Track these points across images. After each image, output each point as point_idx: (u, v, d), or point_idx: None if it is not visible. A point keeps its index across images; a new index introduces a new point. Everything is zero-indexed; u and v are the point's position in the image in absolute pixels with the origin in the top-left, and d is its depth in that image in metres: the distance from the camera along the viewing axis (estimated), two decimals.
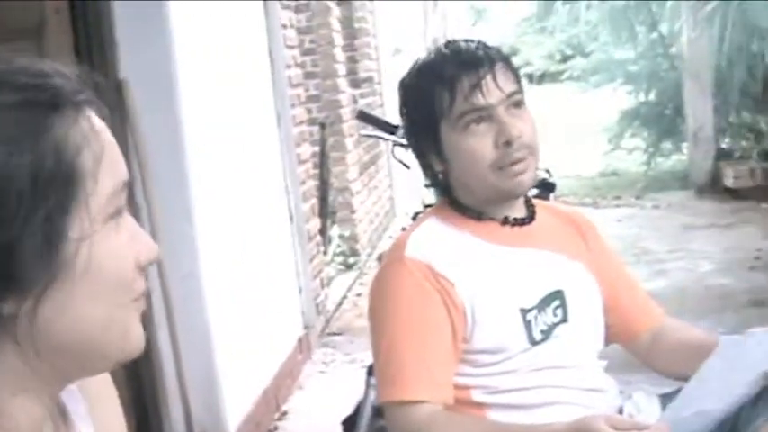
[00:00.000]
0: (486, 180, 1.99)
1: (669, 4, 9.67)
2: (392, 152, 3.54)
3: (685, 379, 2.05)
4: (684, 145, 10.34)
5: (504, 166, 1.97)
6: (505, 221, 2.06)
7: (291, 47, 5.61)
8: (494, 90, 1.97)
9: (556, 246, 2.13)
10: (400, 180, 9.19)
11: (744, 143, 9.09)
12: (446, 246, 2.01)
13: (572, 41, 12.71)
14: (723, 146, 9.55)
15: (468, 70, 1.98)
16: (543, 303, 2.02)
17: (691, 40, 8.97)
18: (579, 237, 2.22)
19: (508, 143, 1.97)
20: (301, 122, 5.62)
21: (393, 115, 7.07)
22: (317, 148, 6.90)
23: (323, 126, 7.22)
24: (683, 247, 7.22)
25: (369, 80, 8.81)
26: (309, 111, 6.60)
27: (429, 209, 2.23)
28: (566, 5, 10.56)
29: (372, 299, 2.03)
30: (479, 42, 2.06)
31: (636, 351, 2.26)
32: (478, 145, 1.98)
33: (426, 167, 2.10)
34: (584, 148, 12.62)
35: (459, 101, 1.97)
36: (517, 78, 2.06)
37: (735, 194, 8.86)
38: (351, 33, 8.39)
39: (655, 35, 10.56)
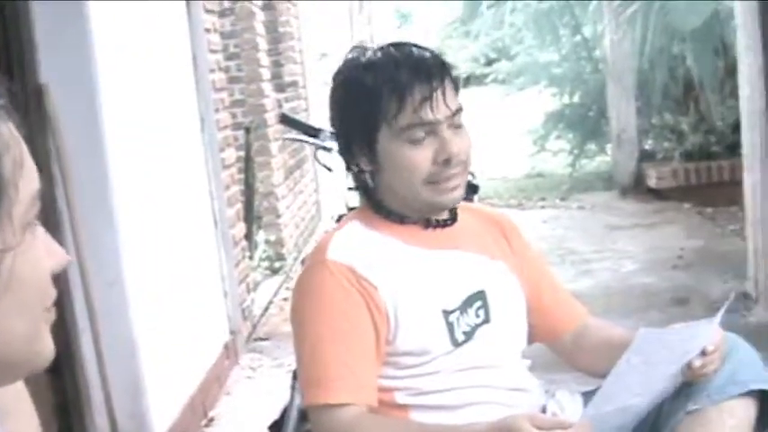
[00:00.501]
0: (419, 193, 1.98)
1: (592, 6, 9.76)
2: (315, 155, 3.54)
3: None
4: (608, 146, 10.45)
5: (438, 182, 1.97)
6: (428, 224, 2.06)
7: (215, 51, 5.58)
8: (442, 106, 1.94)
9: (478, 247, 2.13)
10: (326, 184, 9.18)
11: (666, 144, 9.20)
12: (369, 248, 2.00)
13: (496, 45, 12.76)
14: (646, 147, 9.67)
15: (421, 81, 1.93)
16: (465, 304, 2.02)
17: (613, 43, 9.08)
18: (502, 237, 2.23)
19: (447, 161, 1.96)
20: (225, 127, 5.58)
21: (318, 119, 7.09)
22: (241, 153, 6.86)
23: (248, 130, 7.18)
24: (608, 248, 7.30)
25: (293, 84, 8.79)
26: (234, 115, 6.56)
27: (352, 212, 2.21)
28: (490, 9, 10.63)
29: (295, 301, 2.02)
30: (431, 51, 2.01)
31: (559, 350, 2.27)
32: (417, 158, 1.95)
33: (353, 167, 2.05)
34: (510, 151, 12.71)
35: (408, 111, 1.93)
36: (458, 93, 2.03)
37: (658, 195, 8.98)
38: (275, 37, 8.36)
39: (578, 38, 10.67)
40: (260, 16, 7.35)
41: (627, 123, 9.49)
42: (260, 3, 7.41)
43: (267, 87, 7.34)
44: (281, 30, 8.53)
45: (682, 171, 8.86)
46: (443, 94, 1.94)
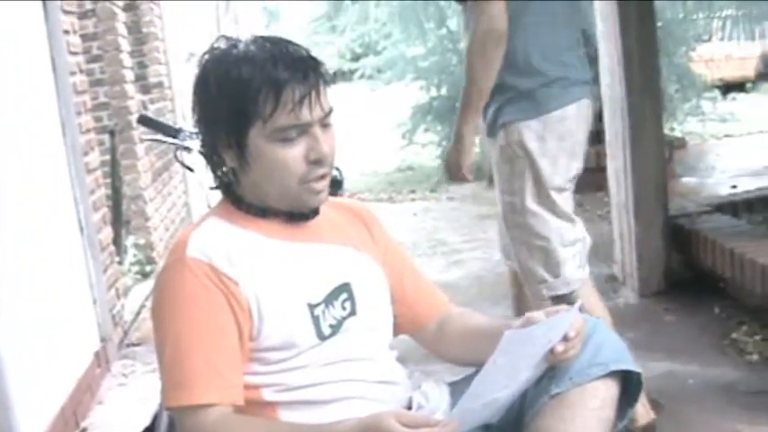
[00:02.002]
0: (289, 192, 1.96)
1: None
2: (175, 156, 3.49)
3: (472, 365, 2.10)
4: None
5: (308, 181, 1.95)
6: (290, 218, 2.04)
7: (76, 53, 5.44)
8: (316, 107, 1.92)
9: (341, 239, 2.13)
10: (194, 185, 9.08)
11: None
12: (229, 244, 1.96)
13: (363, 40, 12.81)
14: None
15: (298, 79, 1.89)
16: (331, 297, 2.01)
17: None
18: (364, 229, 2.23)
19: (318, 161, 1.94)
20: (89, 130, 5.46)
21: (185, 120, 6.95)
22: (107, 156, 6.74)
23: (112, 133, 7.05)
24: (478, 237, 7.38)
25: (159, 85, 8.67)
26: (99, 118, 6.44)
27: (211, 208, 2.17)
28: (355, 4, 10.64)
29: (154, 301, 1.97)
30: (305, 48, 1.97)
31: (423, 341, 2.29)
32: (289, 157, 1.92)
33: (215, 160, 2.01)
34: (379, 146, 12.76)
35: (285, 111, 1.89)
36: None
37: None
38: (139, 38, 8.24)
39: (443, 31, 10.75)
40: (122, 17, 7.22)
41: None
42: (121, 3, 7.27)
43: (131, 89, 7.21)
44: (144, 30, 8.40)
45: None
46: (318, 94, 1.92)
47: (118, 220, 6.60)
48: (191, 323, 1.88)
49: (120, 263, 6.14)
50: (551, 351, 1.88)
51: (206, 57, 1.98)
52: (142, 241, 7.04)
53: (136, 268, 6.85)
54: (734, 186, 8.16)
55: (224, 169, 2.01)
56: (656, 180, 5.32)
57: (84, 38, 6.08)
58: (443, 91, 10.90)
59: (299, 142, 1.93)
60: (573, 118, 3.36)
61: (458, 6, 3.44)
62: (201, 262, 1.91)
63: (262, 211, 2.02)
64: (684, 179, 8.65)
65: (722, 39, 11.62)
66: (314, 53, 1.99)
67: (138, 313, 6.04)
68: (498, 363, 1.90)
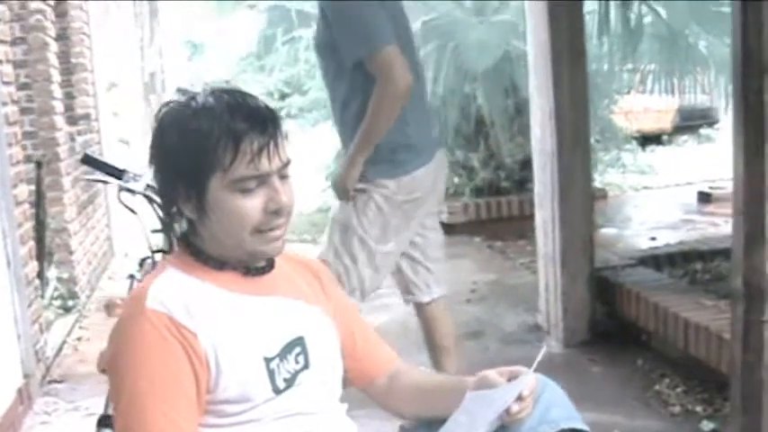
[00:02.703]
0: (245, 241, 1.97)
1: None
2: (118, 197, 3.48)
3: (421, 419, 2.15)
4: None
5: (264, 231, 1.97)
6: (247, 271, 2.05)
7: (8, 83, 5.40)
8: (274, 157, 1.93)
9: (295, 293, 2.15)
10: (118, 220, 9.00)
11: (457, 180, 9.46)
12: (187, 296, 1.96)
13: (291, 80, 12.81)
14: None
15: (257, 131, 1.90)
16: (285, 351, 2.02)
17: None
18: (316, 283, 2.26)
19: (277, 211, 1.96)
20: (18, 162, 5.40)
21: (110, 151, 6.89)
22: (33, 188, 6.65)
23: (39, 165, 6.96)
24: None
25: (86, 117, 8.58)
26: (24, 147, 6.35)
27: (167, 257, 2.16)
28: (285, 45, 10.67)
29: (112, 353, 1.95)
30: (263, 101, 1.99)
31: (373, 394, 2.31)
32: (248, 207, 1.93)
33: (172, 212, 2.02)
34: (303, 186, 12.75)
35: (244, 162, 1.90)
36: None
37: (449, 229, 9.13)
38: (68, 68, 8.15)
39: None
40: (53, 47, 7.15)
41: None
42: (53, 33, 7.20)
43: (60, 120, 7.13)
44: (73, 61, 8.33)
45: (472, 206, 9.12)
46: (276, 145, 1.94)
47: (41, 254, 6.50)
48: (149, 375, 1.87)
49: (42, 297, 6.05)
50: (507, 411, 1.92)
51: (164, 110, 1.99)
52: (65, 275, 6.93)
53: (58, 302, 6.74)
54: (653, 238, 8.34)
55: (180, 219, 2.02)
56: (582, 232, 5.43)
57: (14, 65, 6.01)
58: None
59: (257, 193, 1.94)
60: (425, 178, 3.90)
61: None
62: (161, 313, 1.91)
63: (219, 264, 2.02)
64: (604, 230, 8.80)
65: (642, 92, 11.88)
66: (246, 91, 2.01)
67: (60, 349, 5.95)
68: (459, 420, 1.95)
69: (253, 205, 1.94)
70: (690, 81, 9.34)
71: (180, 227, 2.05)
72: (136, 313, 1.93)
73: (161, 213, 3.50)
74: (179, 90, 2.03)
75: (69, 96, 8.20)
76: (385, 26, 3.63)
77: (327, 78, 3.91)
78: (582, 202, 5.42)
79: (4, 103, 5.19)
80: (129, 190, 3.45)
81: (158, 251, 3.60)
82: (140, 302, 1.94)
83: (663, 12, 8.47)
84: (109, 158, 4.06)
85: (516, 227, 8.73)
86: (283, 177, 1.99)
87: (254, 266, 2.06)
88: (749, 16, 3.72)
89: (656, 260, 6.10)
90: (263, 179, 1.94)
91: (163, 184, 2.02)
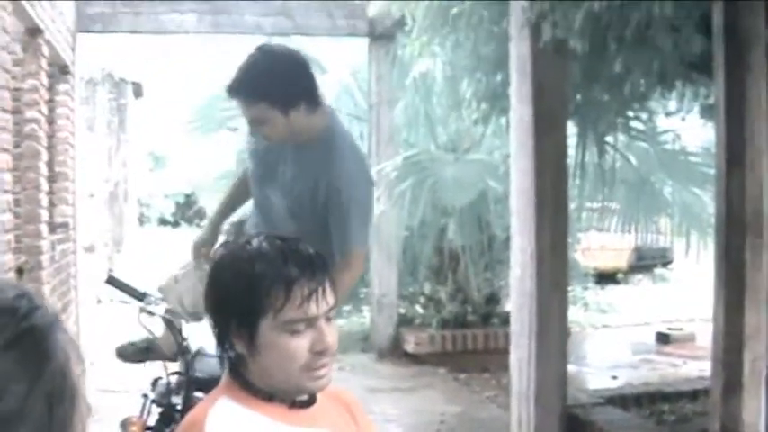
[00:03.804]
0: (293, 378, 2.10)
1: None
2: (138, 318, 3.61)
3: None
4: (365, 309, 10.77)
5: (312, 369, 2.09)
6: (292, 404, 2.20)
7: (7, 191, 5.53)
8: (322, 302, 2.06)
9: (333, 425, 2.28)
10: (87, 327, 9.07)
11: (424, 311, 9.65)
12: (240, 426, 2.10)
13: None
14: (404, 312, 10.04)
15: (307, 277, 2.04)
16: None
17: (382, 213, 9.42)
18: (348, 415, 2.40)
19: (323, 352, 2.09)
20: (9, 269, 5.51)
21: (84, 262, 6.94)
22: None
23: (20, 272, 7.04)
24: (371, 410, 7.49)
25: (64, 225, 8.69)
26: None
27: (218, 387, 2.29)
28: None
29: None
30: (313, 249, 2.12)
31: None
32: (296, 348, 2.06)
33: (226, 347, 2.15)
34: None
35: (293, 306, 2.04)
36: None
37: (414, 359, 9.33)
38: (52, 177, 8.28)
39: None
40: (44, 156, 7.30)
41: (388, 289, 9.84)
42: (45, 143, 7.36)
43: (45, 229, 7.24)
44: (57, 169, 8.46)
45: (438, 337, 9.28)
46: (324, 291, 2.08)
47: None
48: None
49: None
50: None
51: (220, 251, 2.17)
52: None
53: None
54: (614, 377, 8.53)
55: (231, 353, 2.16)
56: (557, 370, 5.60)
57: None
58: None
59: (305, 334, 2.08)
60: None
61: None
62: None
63: (268, 396, 2.16)
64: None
65: (601, 230, 12.17)
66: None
67: None
68: None
69: (300, 345, 2.08)
70: (649, 222, 9.67)
71: (232, 361, 2.18)
72: None
73: (179, 339, 3.66)
74: (236, 233, 2.20)
75: (51, 204, 8.31)
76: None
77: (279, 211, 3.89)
78: (557, 341, 5.60)
79: (3, 211, 5.30)
80: (149, 312, 3.58)
81: (174, 373, 3.72)
82: (199, 428, 2.07)
83: (633, 158, 8.82)
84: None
85: (481, 359, 8.90)
86: (329, 319, 2.13)
87: (299, 400, 2.20)
88: (733, 180, 3.98)
89: (624, 399, 6.28)
90: (310, 322, 2.08)
91: (217, 319, 2.16)
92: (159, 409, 3.75)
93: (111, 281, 3.87)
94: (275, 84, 3.66)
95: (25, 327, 1.00)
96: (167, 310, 3.63)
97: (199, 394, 3.64)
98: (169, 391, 3.76)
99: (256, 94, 3.64)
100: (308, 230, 3.74)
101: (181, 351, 3.67)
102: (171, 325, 3.64)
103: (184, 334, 3.73)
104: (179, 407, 3.72)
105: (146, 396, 3.75)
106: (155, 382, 3.81)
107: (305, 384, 2.13)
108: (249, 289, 2.06)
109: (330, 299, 2.10)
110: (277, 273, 2.04)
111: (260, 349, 2.09)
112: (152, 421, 3.83)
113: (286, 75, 3.71)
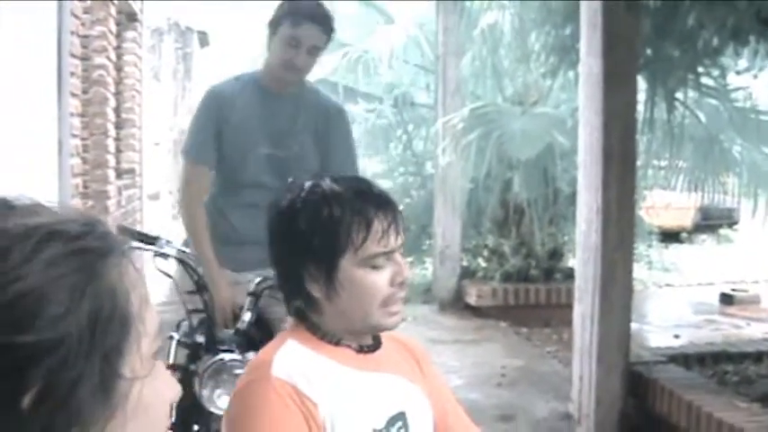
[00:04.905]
0: (371, 315, 2.11)
1: (433, 129, 9.98)
2: (154, 263, 3.64)
3: None
4: (428, 261, 10.78)
5: (389, 304, 2.12)
6: (360, 348, 2.20)
7: (75, 135, 5.60)
8: (398, 234, 2.10)
9: (398, 371, 2.29)
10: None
11: (487, 264, 9.62)
12: (308, 368, 2.11)
13: None
14: (467, 265, 10.04)
15: (383, 212, 2.08)
16: (390, 423, 2.16)
17: (448, 164, 9.41)
18: (414, 363, 2.40)
19: (402, 283, 2.12)
20: None
21: (150, 209, 7.04)
22: None
23: None
24: (433, 362, 7.51)
25: (131, 172, 8.80)
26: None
27: (286, 331, 2.31)
28: None
29: (236, 415, 2.09)
30: (380, 187, 2.17)
31: None
32: (378, 282, 2.09)
33: (297, 290, 2.15)
34: None
35: (374, 241, 2.07)
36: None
37: (476, 312, 9.33)
38: (118, 123, 8.37)
39: (408, 153, 11.05)
40: (112, 102, 7.37)
41: (452, 241, 9.85)
42: (113, 89, 7.43)
43: (112, 174, 7.33)
44: (123, 116, 8.56)
45: (501, 291, 9.27)
46: (397, 224, 2.11)
47: None
48: None
49: None
50: None
51: (289, 197, 2.16)
52: None
53: None
54: (677, 336, 8.46)
55: (304, 297, 2.17)
56: (620, 327, 5.56)
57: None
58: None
59: (385, 268, 2.11)
60: None
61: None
62: (286, 383, 2.05)
63: (336, 340, 2.17)
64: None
65: (666, 188, 12.04)
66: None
67: None
68: None
69: (381, 279, 2.10)
70: (716, 182, 9.53)
71: (300, 307, 2.20)
72: (261, 380, 2.08)
73: (194, 277, 3.70)
74: (307, 182, 2.19)
75: (117, 150, 8.41)
76: None
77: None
78: (621, 298, 5.55)
79: (72, 155, 5.37)
80: (163, 255, 3.61)
81: (194, 311, 3.77)
82: (266, 370, 2.08)
83: (702, 116, 8.68)
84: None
85: (543, 314, 8.89)
86: (401, 253, 2.17)
87: (366, 344, 2.21)
88: None
89: (686, 359, 6.23)
90: (389, 255, 2.11)
91: (291, 266, 2.17)
92: (186, 351, 3.79)
93: (123, 230, 3.93)
94: (333, 26, 4.05)
95: (73, 248, 0.99)
96: (179, 250, 3.67)
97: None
98: (192, 330, 3.80)
99: (329, 25, 4.00)
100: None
101: (198, 288, 3.72)
102: (185, 264, 3.69)
103: (200, 271, 3.77)
104: (203, 344, 3.77)
105: (171, 338, 3.79)
106: (179, 325, 3.87)
107: (381, 321, 2.14)
108: (328, 229, 2.08)
109: (402, 232, 2.14)
110: (356, 210, 2.08)
111: (339, 289, 2.10)
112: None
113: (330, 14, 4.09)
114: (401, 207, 9.29)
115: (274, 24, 4.02)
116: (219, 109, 4.11)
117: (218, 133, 4.08)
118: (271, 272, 2.36)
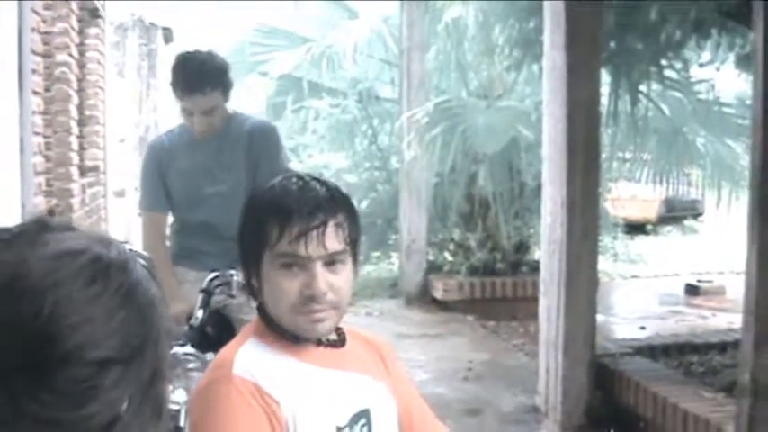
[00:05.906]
0: (285, 317, 2.09)
1: (398, 124, 9.95)
2: None
3: None
4: (394, 255, 10.77)
5: (301, 312, 2.07)
6: (320, 343, 2.19)
7: (38, 134, 5.55)
8: (317, 246, 2.03)
9: (362, 368, 2.28)
10: None
11: (453, 258, 9.64)
12: (269, 365, 2.09)
13: (296, 149, 13.01)
14: (432, 259, 10.04)
15: (303, 216, 2.03)
16: (353, 421, 2.15)
17: (413, 159, 9.41)
18: (380, 360, 2.39)
19: (312, 297, 2.05)
20: (41, 212, 5.53)
21: (115, 206, 6.99)
22: None
23: (51, 214, 7.08)
24: (399, 357, 7.50)
25: (95, 169, 8.71)
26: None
27: (246, 325, 2.29)
28: (294, 113, 10.88)
29: (198, 415, 2.07)
30: (331, 187, 2.12)
31: None
32: (286, 286, 2.05)
33: (249, 285, 2.17)
34: None
35: (284, 242, 2.03)
36: (355, 230, 2.12)
37: (443, 306, 9.34)
38: (81, 120, 8.29)
39: (373, 148, 11.04)
40: (75, 99, 7.31)
41: (418, 235, 9.83)
42: (75, 86, 7.37)
43: (75, 172, 7.27)
44: (87, 113, 8.47)
45: (467, 284, 9.28)
46: (322, 234, 2.04)
47: None
48: None
49: None
50: None
51: (261, 188, 2.20)
52: None
53: None
54: (642, 327, 8.51)
55: (253, 289, 2.18)
56: (586, 319, 5.59)
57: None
58: (364, 206, 10.96)
59: (298, 274, 2.06)
60: None
61: None
62: (247, 381, 2.04)
63: (294, 337, 2.15)
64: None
65: (630, 180, 12.10)
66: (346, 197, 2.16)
67: None
68: None
69: (291, 285, 2.06)
70: (680, 173, 9.59)
71: (256, 297, 2.19)
72: (223, 379, 2.06)
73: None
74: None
75: (81, 148, 8.33)
76: None
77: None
78: (587, 290, 5.59)
79: (34, 153, 5.32)
80: None
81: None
82: (227, 369, 2.07)
83: (665, 108, 8.73)
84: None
85: (509, 308, 8.90)
86: (331, 264, 2.09)
87: (327, 341, 2.19)
88: None
89: (652, 350, 6.27)
90: (303, 263, 2.06)
91: (242, 256, 2.18)
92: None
93: None
94: (223, 73, 4.29)
95: (132, 281, 1.15)
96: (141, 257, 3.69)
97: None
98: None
99: (214, 83, 4.19)
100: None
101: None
102: (147, 269, 3.71)
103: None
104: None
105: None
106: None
107: (300, 326, 2.10)
108: (254, 220, 2.11)
109: (332, 245, 2.06)
110: (276, 207, 2.06)
111: (262, 285, 2.11)
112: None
113: (225, 66, 4.35)
114: (363, 204, 9.35)
115: (171, 89, 4.34)
116: (160, 160, 4.48)
117: (164, 182, 4.45)
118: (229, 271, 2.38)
